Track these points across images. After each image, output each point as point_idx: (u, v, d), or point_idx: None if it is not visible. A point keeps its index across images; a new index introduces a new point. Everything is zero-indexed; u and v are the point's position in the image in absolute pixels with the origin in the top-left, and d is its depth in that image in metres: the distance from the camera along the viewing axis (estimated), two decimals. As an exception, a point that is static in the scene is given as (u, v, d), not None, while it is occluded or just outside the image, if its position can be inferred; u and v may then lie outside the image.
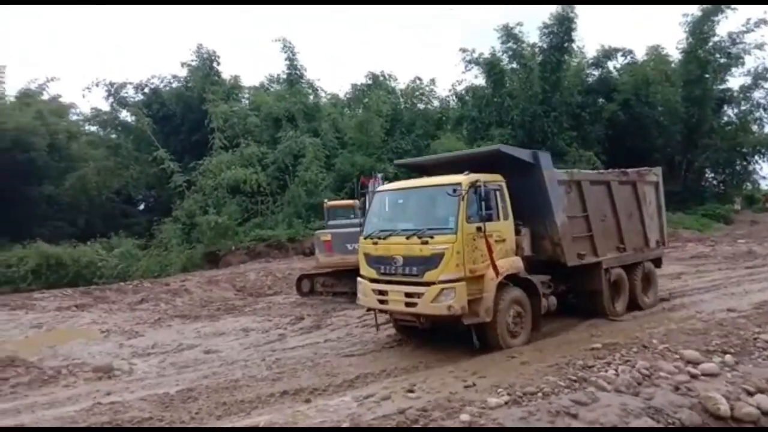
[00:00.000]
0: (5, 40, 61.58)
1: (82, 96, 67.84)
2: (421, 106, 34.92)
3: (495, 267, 8.28)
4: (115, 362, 9.27)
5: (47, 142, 26.69)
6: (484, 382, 7.00)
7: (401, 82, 34.86)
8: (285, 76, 31.39)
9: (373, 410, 6.11)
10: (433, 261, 8.08)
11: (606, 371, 6.86)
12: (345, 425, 5.45)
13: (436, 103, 36.08)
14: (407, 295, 8.37)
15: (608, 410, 5.84)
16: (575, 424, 5.61)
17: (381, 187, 10.01)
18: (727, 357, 7.31)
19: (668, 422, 5.73)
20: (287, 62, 30.53)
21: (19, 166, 24.66)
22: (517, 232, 9.24)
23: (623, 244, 11.13)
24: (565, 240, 9.57)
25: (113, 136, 31.10)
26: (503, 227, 8.81)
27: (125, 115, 30.56)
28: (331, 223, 15.26)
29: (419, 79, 34.64)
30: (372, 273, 8.96)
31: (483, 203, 8.11)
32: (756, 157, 36.61)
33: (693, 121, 33.55)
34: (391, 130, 30.55)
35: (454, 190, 8.12)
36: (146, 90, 30.71)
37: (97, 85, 28.89)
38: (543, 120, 31.17)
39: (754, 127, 36.35)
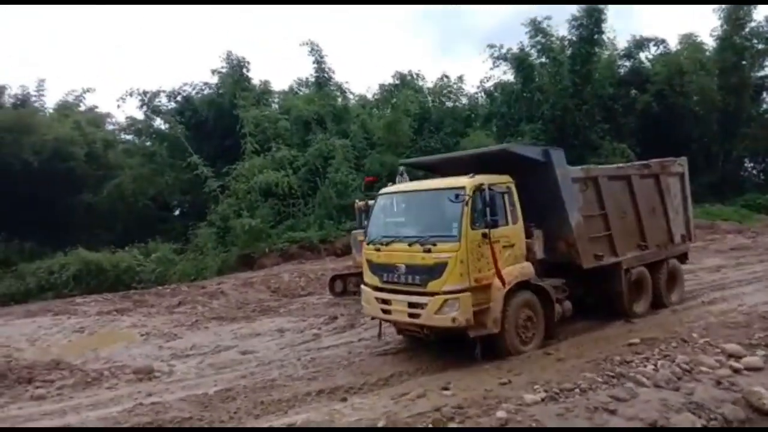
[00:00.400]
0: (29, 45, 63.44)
1: (117, 106, 69.34)
2: (449, 104, 34.72)
3: (501, 277, 7.88)
4: (155, 364, 9.49)
5: (85, 151, 27.42)
6: (520, 379, 6.97)
7: (429, 81, 34.82)
8: (313, 80, 31.60)
9: (409, 408, 6.14)
10: (436, 270, 7.70)
11: (645, 366, 6.78)
12: (381, 424, 5.49)
13: (464, 100, 35.84)
14: (410, 305, 8.03)
15: (647, 406, 5.76)
16: (614, 420, 5.55)
17: (384, 190, 9.64)
18: (772, 350, 7.13)
19: (710, 417, 5.62)
20: (315, 65, 30.73)
21: (59, 175, 25.39)
22: (529, 235, 8.77)
23: (645, 241, 10.60)
24: (580, 241, 9.12)
25: (148, 143, 31.72)
26: (512, 232, 8.32)
27: (159, 123, 31.17)
28: (366, 223, 15.27)
29: (446, 76, 34.50)
30: (375, 281, 8.64)
31: (488, 209, 7.69)
32: (797, 146, 35.44)
33: (730, 110, 32.59)
34: (420, 129, 30.48)
35: (457, 196, 7.73)
36: (179, 98, 31.26)
37: (131, 95, 29.55)
38: (574, 114, 30.65)
39: (795, 116, 35.17)
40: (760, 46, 32.80)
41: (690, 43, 34.11)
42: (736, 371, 6.58)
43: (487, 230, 7.73)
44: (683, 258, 11.93)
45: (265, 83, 32.42)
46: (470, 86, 47.01)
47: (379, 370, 8.01)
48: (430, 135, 30.44)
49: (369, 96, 35.07)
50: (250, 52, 57.41)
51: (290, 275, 18.25)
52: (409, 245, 8.07)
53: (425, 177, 11.03)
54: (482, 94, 36.65)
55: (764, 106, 35.70)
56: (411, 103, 29.04)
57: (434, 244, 7.77)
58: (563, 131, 30.78)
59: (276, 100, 33.14)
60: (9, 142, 22.82)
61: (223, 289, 16.27)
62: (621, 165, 11.18)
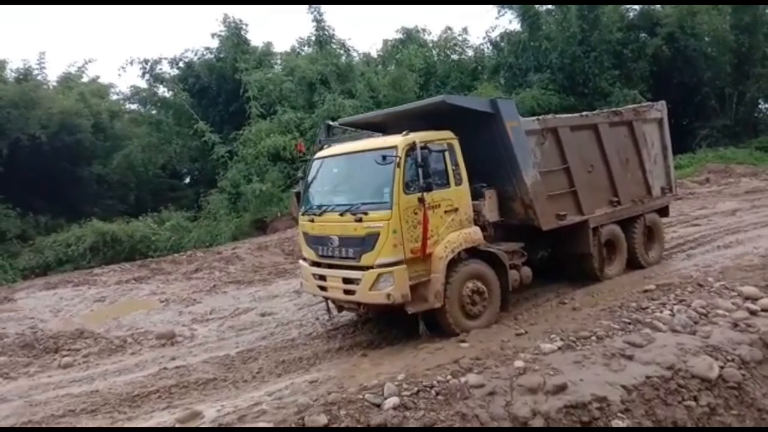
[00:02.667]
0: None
1: (119, 75, 68.84)
2: (455, 57, 34.08)
3: (424, 249, 7.02)
4: (176, 329, 9.67)
5: (91, 123, 27.31)
6: (536, 329, 7.05)
7: (433, 34, 34.13)
8: (314, 38, 31.10)
9: (427, 361, 6.24)
10: (368, 241, 6.96)
11: (661, 312, 6.81)
12: (401, 377, 5.58)
13: (470, 52, 35.15)
14: (345, 281, 7.33)
15: (664, 350, 5.81)
16: (631, 365, 5.61)
17: (318, 154, 8.64)
18: (788, 291, 7.12)
19: (727, 359, 5.66)
20: (314, 23, 30.19)
21: (67, 148, 25.38)
22: (479, 196, 8.06)
23: (617, 197, 9.67)
24: (537, 201, 8.22)
25: (153, 112, 31.55)
26: (455, 194, 7.52)
27: (163, 91, 30.92)
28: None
29: (450, 29, 33.83)
30: (312, 255, 7.94)
31: (421, 170, 6.85)
32: (815, 83, 34.60)
33: (743, 50, 31.70)
34: (426, 84, 30.02)
35: (384, 158, 6.90)
36: (180, 64, 30.90)
37: (131, 64, 29.24)
38: (583, 61, 29.99)
39: (812, 52, 34.17)
40: (775, -19, 31.67)
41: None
42: (753, 313, 6.58)
43: (421, 194, 6.95)
44: (664, 211, 11.09)
45: (267, 45, 31.96)
46: (476, 38, 46.17)
47: (398, 326, 8.07)
48: (437, 90, 30.01)
49: (373, 53, 34.55)
50: (247, 14, 56.29)
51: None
52: (341, 215, 7.36)
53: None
54: (488, 45, 35.92)
55: (779, 44, 34.71)
56: (416, 57, 28.55)
57: (366, 213, 7.04)
58: (572, 80, 30.25)
59: (278, 61, 32.70)
60: (15, 117, 22.77)
61: (238, 254, 16.41)
62: (586, 113, 10.12)
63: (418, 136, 7.19)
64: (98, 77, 33.65)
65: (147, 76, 29.60)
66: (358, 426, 4.92)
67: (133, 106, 32.77)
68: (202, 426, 5.36)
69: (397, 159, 6.94)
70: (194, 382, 6.95)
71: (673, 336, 6.14)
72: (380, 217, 6.92)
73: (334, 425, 4.93)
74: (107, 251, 19.85)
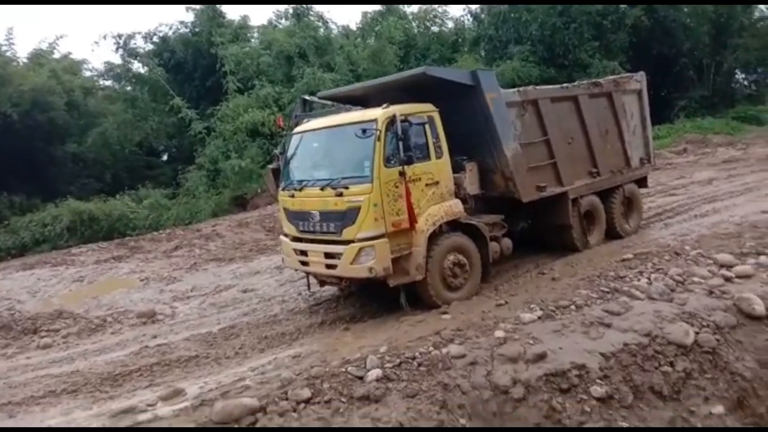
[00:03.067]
0: None
1: (92, 50, 67.21)
2: (435, 29, 33.80)
3: (412, 222, 7.10)
4: (157, 307, 9.61)
5: (64, 100, 26.68)
6: (516, 299, 7.11)
7: (413, 6, 33.75)
8: (292, 11, 30.56)
9: (409, 333, 6.28)
10: (349, 216, 6.98)
11: (638, 280, 6.90)
12: (383, 349, 5.60)
13: (450, 24, 34.90)
14: (327, 255, 7.35)
15: (642, 318, 5.90)
16: (609, 333, 5.69)
17: (298, 128, 8.55)
18: (762, 258, 7.26)
19: (702, 325, 5.76)
20: (292, -5, 29.66)
21: (40, 126, 24.80)
22: (460, 169, 8.08)
23: (597, 168, 9.73)
24: (518, 173, 8.22)
25: (128, 88, 30.90)
26: (436, 167, 7.54)
27: (137, 67, 30.29)
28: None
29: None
30: (293, 230, 7.94)
31: (401, 143, 6.88)
32: (790, 53, 34.95)
33: (722, 20, 31.89)
34: (406, 57, 29.75)
35: (364, 131, 6.86)
36: (155, 39, 30.21)
37: (104, 39, 28.63)
38: (563, 33, 29.91)
39: (789, 21, 34.48)
40: (752, -49, 31.74)
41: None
42: (728, 280, 6.69)
43: (402, 168, 6.98)
44: (643, 182, 11.20)
45: (243, 18, 31.34)
46: (456, 9, 45.80)
47: (380, 299, 8.10)
48: (417, 62, 29.75)
49: (352, 26, 34.10)
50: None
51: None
52: (322, 189, 7.32)
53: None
54: (468, 17, 35.68)
55: (756, 14, 34.92)
56: (395, 30, 28.24)
57: (346, 187, 7.02)
58: (552, 51, 30.20)
59: (255, 35, 32.12)
60: (-15, 95, 22.22)
61: (218, 231, 16.30)
62: (566, 85, 10.10)
63: (398, 109, 7.14)
64: (70, 53, 32.85)
65: (121, 51, 28.96)
66: (342, 398, 4.94)
67: (107, 83, 32.07)
68: (185, 402, 5.36)
69: (377, 132, 6.91)
70: (176, 360, 6.94)
71: (650, 304, 6.23)
72: (361, 191, 6.91)
73: (318, 398, 4.95)
74: (85, 230, 19.57)
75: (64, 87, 27.14)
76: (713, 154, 21.76)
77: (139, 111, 28.68)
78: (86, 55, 44.40)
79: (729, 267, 7.01)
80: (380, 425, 4.62)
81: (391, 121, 7.01)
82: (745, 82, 37.60)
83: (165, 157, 35.00)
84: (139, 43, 29.48)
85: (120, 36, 28.45)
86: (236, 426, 4.70)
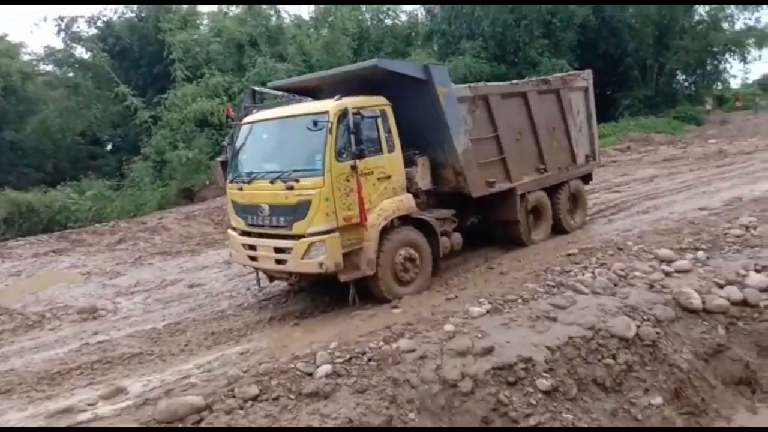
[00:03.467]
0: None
1: (31, 32, 64.21)
2: (388, 22, 33.87)
3: (363, 217, 7.00)
4: (99, 303, 9.26)
5: (1, 85, 25.52)
6: (466, 293, 7.20)
7: (367, -2, 33.63)
8: (244, -1, 29.99)
9: (360, 328, 6.27)
10: (300, 210, 6.81)
11: (583, 275, 7.08)
12: (333, 345, 5.57)
13: (403, 17, 35.04)
14: (276, 250, 7.15)
15: (586, 311, 6.05)
16: (555, 326, 5.82)
17: (247, 119, 8.36)
18: (699, 253, 7.58)
19: (643, 318, 5.96)
20: (244, -17, 29.06)
21: (-26, 112, 23.75)
22: (412, 163, 8.04)
23: (544, 164, 9.85)
24: (468, 168, 8.25)
25: (71, 74, 29.71)
26: (387, 161, 7.45)
27: (80, 52, 29.15)
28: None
29: (384, -8, 33.48)
30: (241, 224, 7.71)
31: (353, 136, 6.79)
32: (726, 56, 36.62)
33: (664, 22, 33.11)
34: (359, 49, 29.64)
35: (315, 123, 6.68)
36: (99, 23, 29.12)
37: (45, 20, 27.42)
38: (514, 30, 30.43)
39: (725, 25, 36.05)
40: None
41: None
42: (667, 274, 6.95)
43: (354, 161, 6.89)
44: (587, 178, 11.34)
45: (191, 4, 30.56)
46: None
47: (331, 295, 8.04)
48: (370, 55, 29.67)
49: (305, 16, 33.75)
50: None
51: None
52: (272, 182, 7.12)
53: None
54: (422, 11, 35.84)
55: (696, 17, 36.36)
56: (349, 21, 28.07)
57: (297, 180, 6.86)
58: (503, 48, 30.68)
59: (205, 22, 31.36)
60: None
61: (164, 224, 15.86)
62: (515, 82, 10.25)
63: (350, 102, 7.06)
64: (6, 35, 31.37)
65: (63, 35, 27.78)
66: (290, 395, 4.89)
67: (48, 68, 30.79)
68: (127, 401, 5.19)
69: (329, 125, 6.79)
70: (118, 357, 6.70)
71: (594, 298, 6.41)
72: (312, 184, 6.78)
73: (266, 396, 4.89)
74: (23, 222, 18.79)
75: (0, 71, 25.89)
76: (655, 153, 22.56)
77: (82, 98, 27.63)
78: (25, 38, 42.35)
79: (669, 262, 7.28)
80: (329, 422, 4.60)
81: (344, 113, 6.90)
82: (686, 83, 39.17)
83: (109, 147, 33.93)
84: (82, 27, 28.39)
85: (62, 19, 27.30)
86: (181, 426, 4.59)
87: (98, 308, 8.93)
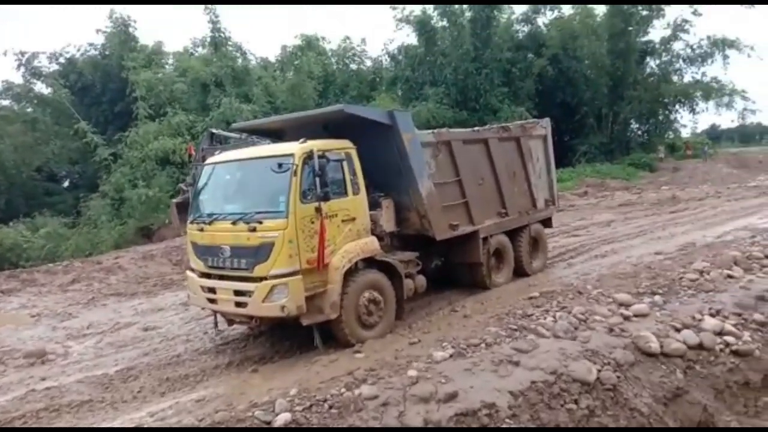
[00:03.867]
0: None
1: (-10, 68, 63.04)
2: (353, 66, 34.52)
3: (321, 260, 6.91)
4: (48, 346, 8.86)
5: (-46, 118, 24.86)
6: (429, 337, 7.13)
7: (332, 42, 34.32)
8: (209, 40, 30.16)
9: (321, 374, 6.12)
10: (262, 252, 6.73)
11: (544, 318, 7.11)
12: (293, 391, 5.42)
13: (368, 63, 35.81)
14: (237, 293, 7.04)
15: (548, 356, 6.05)
16: (517, 371, 5.79)
17: (210, 159, 8.35)
18: (656, 297, 7.73)
19: (604, 363, 6.00)
20: (210, 25, 29.30)
21: (-77, 146, 22.94)
22: (377, 206, 8.13)
23: (505, 208, 10.06)
24: (432, 211, 8.40)
25: (29, 110, 29.22)
26: (352, 204, 7.46)
27: (40, 87, 28.76)
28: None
29: (349, 39, 34.28)
30: (200, 265, 7.54)
31: (318, 178, 6.79)
32: (677, 107, 38.37)
33: (618, 73, 34.58)
34: (325, 92, 30.06)
35: (280, 165, 6.72)
36: (61, 60, 28.88)
37: (5, 55, 26.94)
38: (476, 78, 31.38)
39: (675, 78, 37.84)
40: (645, 13, 34.74)
41: (583, 9, 35.68)
42: (626, 318, 7.04)
43: (318, 204, 6.88)
44: (547, 223, 11.59)
45: (158, 44, 30.61)
46: (374, 49, 47.06)
47: (292, 339, 7.89)
48: (336, 98, 30.10)
49: (271, 58, 34.12)
50: (138, 11, 53.61)
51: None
52: (233, 223, 7.04)
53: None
54: (386, 57, 36.73)
55: (648, 70, 38.13)
56: (315, 65, 28.50)
57: (260, 222, 6.79)
58: (465, 95, 31.53)
59: (170, 61, 31.40)
60: None
61: (120, 264, 15.42)
62: (477, 128, 10.51)
63: (315, 144, 7.09)
64: (-39, 68, 30.64)
65: (23, 69, 27.40)
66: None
67: (5, 102, 30.19)
68: None
69: (294, 167, 6.79)
70: (67, 405, 6.38)
71: (555, 341, 6.43)
72: (275, 226, 6.70)
73: (222, 445, 4.70)
74: (-30, 260, 17.99)
75: (-46, 104, 25.24)
76: (611, 198, 23.24)
77: (40, 134, 27.17)
78: (-18, 73, 41.54)
79: (627, 306, 7.39)
80: (288, 473, 4.42)
81: (309, 156, 6.92)
82: (639, 132, 40.74)
83: (66, 184, 33.16)
84: (43, 62, 28.10)
85: (23, 53, 26.96)
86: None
87: (47, 352, 8.54)
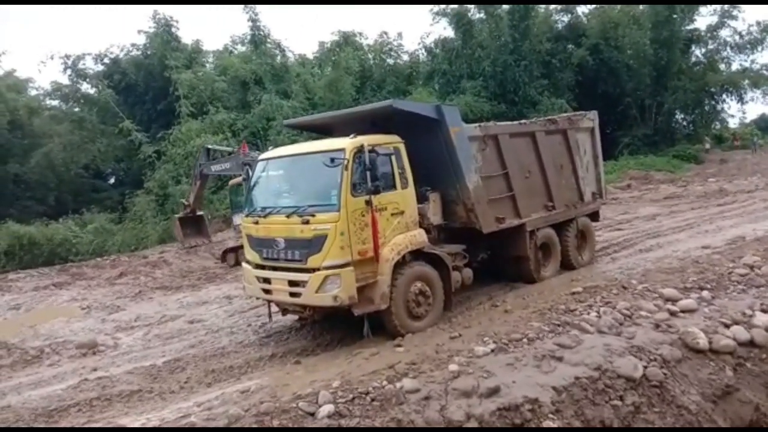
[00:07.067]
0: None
1: (38, 70, 65.38)
2: (390, 61, 34.46)
3: (377, 252, 7.12)
4: (98, 338, 9.19)
5: (7, 119, 25.83)
6: (470, 332, 7.10)
7: (369, 38, 34.37)
8: (249, 38, 30.57)
9: (362, 367, 6.16)
10: (315, 244, 6.91)
11: (588, 314, 6.99)
12: (335, 384, 5.48)
13: (405, 57, 35.67)
14: (291, 283, 7.26)
15: (592, 351, 5.97)
16: (560, 366, 5.73)
17: (263, 155, 8.71)
18: (704, 293, 7.51)
19: (650, 359, 5.88)
20: (250, 23, 29.71)
21: (-20, 146, 23.95)
22: (424, 199, 8.25)
23: (552, 201, 9.98)
24: (479, 204, 8.44)
25: (76, 109, 30.16)
26: (401, 197, 7.59)
27: (86, 87, 29.65)
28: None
29: (386, 33, 34.23)
30: (256, 257, 7.79)
31: (369, 173, 6.97)
32: (723, 96, 37.12)
33: (662, 63, 33.62)
34: (362, 87, 30.14)
35: (332, 160, 6.88)
36: (105, 60, 29.69)
37: (52, 58, 27.95)
38: (514, 70, 30.96)
39: (722, 66, 36.66)
40: (690, 0, 33.66)
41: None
42: (673, 314, 6.88)
43: (369, 197, 7.04)
44: (595, 216, 11.46)
45: (197, 42, 31.18)
46: (410, 43, 46.86)
47: (332, 331, 7.98)
48: (373, 93, 30.14)
49: (309, 55, 34.36)
50: (178, 10, 54.65)
51: (235, 241, 17.93)
52: (288, 217, 7.24)
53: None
54: (423, 51, 36.52)
55: (693, 59, 36.98)
56: (352, 60, 28.60)
57: (313, 215, 6.98)
58: (503, 87, 31.14)
59: (210, 59, 31.96)
60: None
61: (165, 258, 15.85)
62: (524, 121, 10.51)
63: (365, 140, 7.24)
64: (14, 71, 31.90)
65: (69, 71, 28.34)
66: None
67: (54, 103, 31.28)
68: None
69: (345, 161, 6.95)
70: (117, 394, 6.61)
71: (599, 337, 6.33)
72: (328, 219, 6.89)
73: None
74: (24, 255, 18.75)
75: (8, 106, 26.30)
76: (656, 191, 22.65)
77: (87, 133, 28.00)
78: (32, 74, 42.94)
79: (674, 301, 7.21)
80: (332, 464, 4.48)
81: (359, 150, 7.08)
82: (684, 123, 39.57)
83: (112, 181, 34.15)
84: (88, 64, 28.97)
85: (68, 56, 27.88)
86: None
87: (98, 343, 8.87)
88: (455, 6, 32.14)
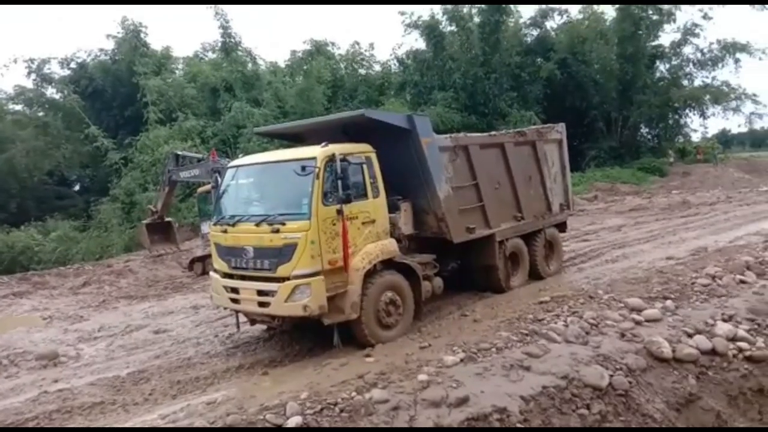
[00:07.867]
0: None
1: (0, 74, 63.72)
2: (362, 71, 34.59)
3: (347, 262, 7.10)
4: (60, 348, 8.93)
5: (-33, 123, 25.11)
6: (439, 341, 7.11)
7: (341, 48, 34.47)
8: (220, 45, 30.35)
9: (331, 377, 6.12)
10: (285, 252, 6.85)
11: (555, 323, 7.07)
12: (304, 395, 5.42)
13: (377, 68, 35.85)
14: (260, 293, 7.17)
15: (559, 360, 6.03)
16: (528, 375, 5.77)
17: (232, 162, 8.60)
18: (668, 302, 7.67)
19: (616, 368, 5.97)
20: (221, 30, 29.50)
21: (-63, 150, 23.20)
22: (395, 209, 8.26)
23: (521, 212, 10.12)
24: (449, 214, 8.52)
25: (41, 114, 29.47)
26: (372, 207, 7.57)
27: (52, 92, 29.02)
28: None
29: (358, 44, 34.44)
30: (224, 266, 7.66)
31: (340, 181, 6.95)
32: (687, 111, 38.07)
33: (627, 78, 34.38)
34: (334, 97, 30.14)
35: (303, 168, 6.84)
36: (72, 65, 29.13)
37: (15, 62, 27.22)
38: (484, 82, 31.37)
39: (684, 82, 37.55)
40: (655, 17, 34.56)
41: (591, 12, 35.60)
42: (638, 323, 7.01)
43: (340, 206, 7.01)
44: (562, 227, 11.67)
45: (167, 49, 30.82)
46: (382, 54, 47.12)
47: (302, 342, 7.90)
48: (345, 103, 30.18)
49: (281, 63, 34.27)
50: (147, 16, 54.01)
51: (203, 250, 17.68)
52: (257, 225, 7.17)
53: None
54: (395, 62, 36.75)
55: (657, 74, 37.91)
56: (324, 70, 28.60)
57: (283, 223, 6.91)
58: (474, 99, 31.51)
59: (180, 66, 31.61)
60: None
61: (131, 267, 15.52)
62: (494, 133, 10.70)
63: (337, 148, 7.22)
64: (-27, 74, 30.98)
65: (33, 75, 27.70)
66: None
67: (18, 107, 30.45)
68: None
69: (317, 170, 6.91)
70: (79, 407, 6.41)
71: (567, 346, 6.40)
72: (298, 227, 6.84)
73: (233, 448, 4.70)
74: (-18, 263, 18.16)
75: (-32, 109, 25.52)
76: (621, 202, 23.12)
77: (51, 138, 27.38)
78: (-5, 78, 41.95)
79: (639, 311, 7.35)
80: (299, 476, 4.42)
81: (331, 159, 7.06)
82: (649, 136, 40.52)
83: (77, 188, 33.41)
84: (54, 68, 28.37)
85: (33, 60, 27.26)
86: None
87: (59, 354, 8.61)
88: (427, 18, 32.47)
